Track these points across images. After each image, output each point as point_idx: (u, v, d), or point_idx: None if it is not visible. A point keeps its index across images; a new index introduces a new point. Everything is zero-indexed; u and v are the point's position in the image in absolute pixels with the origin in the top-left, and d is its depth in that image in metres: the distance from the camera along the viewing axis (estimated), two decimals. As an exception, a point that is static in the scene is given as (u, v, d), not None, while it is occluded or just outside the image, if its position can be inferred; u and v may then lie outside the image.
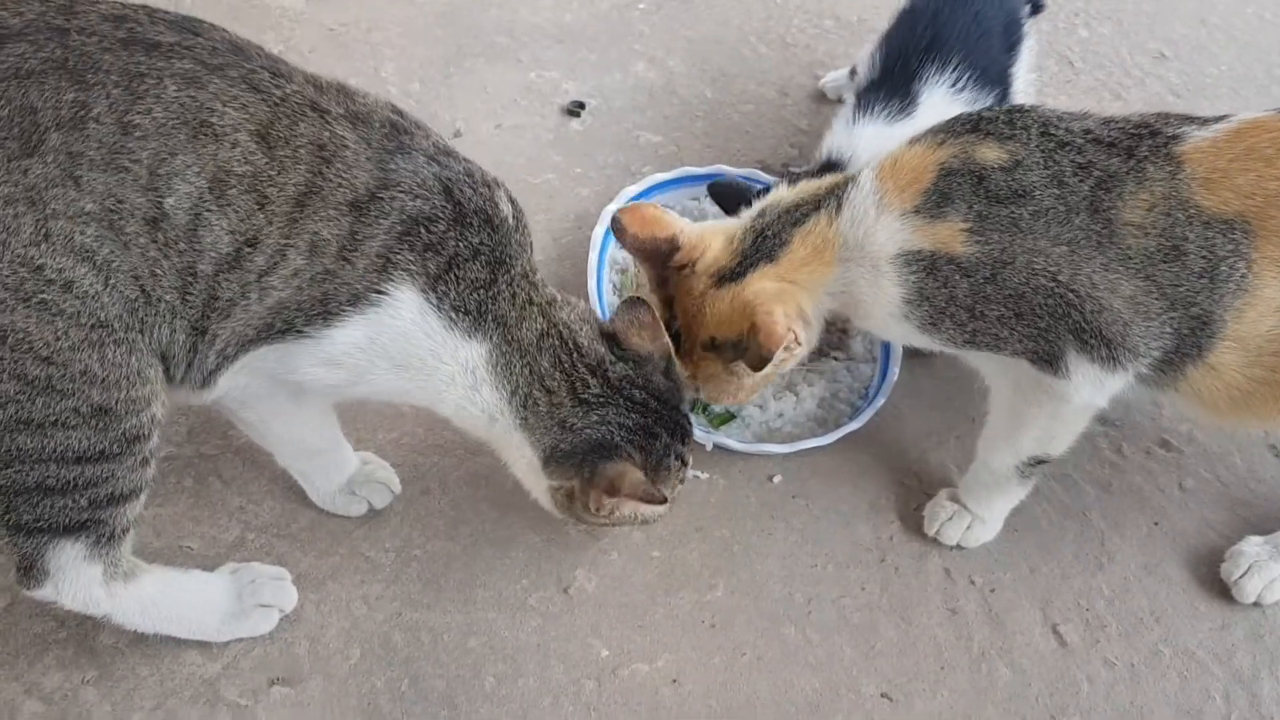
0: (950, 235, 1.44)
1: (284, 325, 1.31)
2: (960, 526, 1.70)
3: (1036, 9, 2.08)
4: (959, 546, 1.72)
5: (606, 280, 1.95)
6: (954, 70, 1.89)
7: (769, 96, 2.40)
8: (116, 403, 1.26)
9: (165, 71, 1.22)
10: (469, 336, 1.37)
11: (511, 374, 1.42)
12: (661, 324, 1.54)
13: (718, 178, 2.06)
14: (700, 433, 1.78)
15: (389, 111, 1.36)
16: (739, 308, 1.52)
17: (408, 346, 1.35)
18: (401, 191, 1.31)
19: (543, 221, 2.10)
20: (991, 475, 1.65)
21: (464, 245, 1.34)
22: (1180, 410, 1.80)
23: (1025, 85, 2.03)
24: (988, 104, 1.92)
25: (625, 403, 1.47)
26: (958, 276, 1.44)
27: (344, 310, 1.31)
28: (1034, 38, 2.05)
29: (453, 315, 1.35)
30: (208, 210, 1.23)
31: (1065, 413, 1.52)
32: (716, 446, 1.79)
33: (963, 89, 1.90)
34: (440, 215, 1.33)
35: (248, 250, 1.26)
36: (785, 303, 1.50)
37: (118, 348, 1.24)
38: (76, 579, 1.38)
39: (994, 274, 1.43)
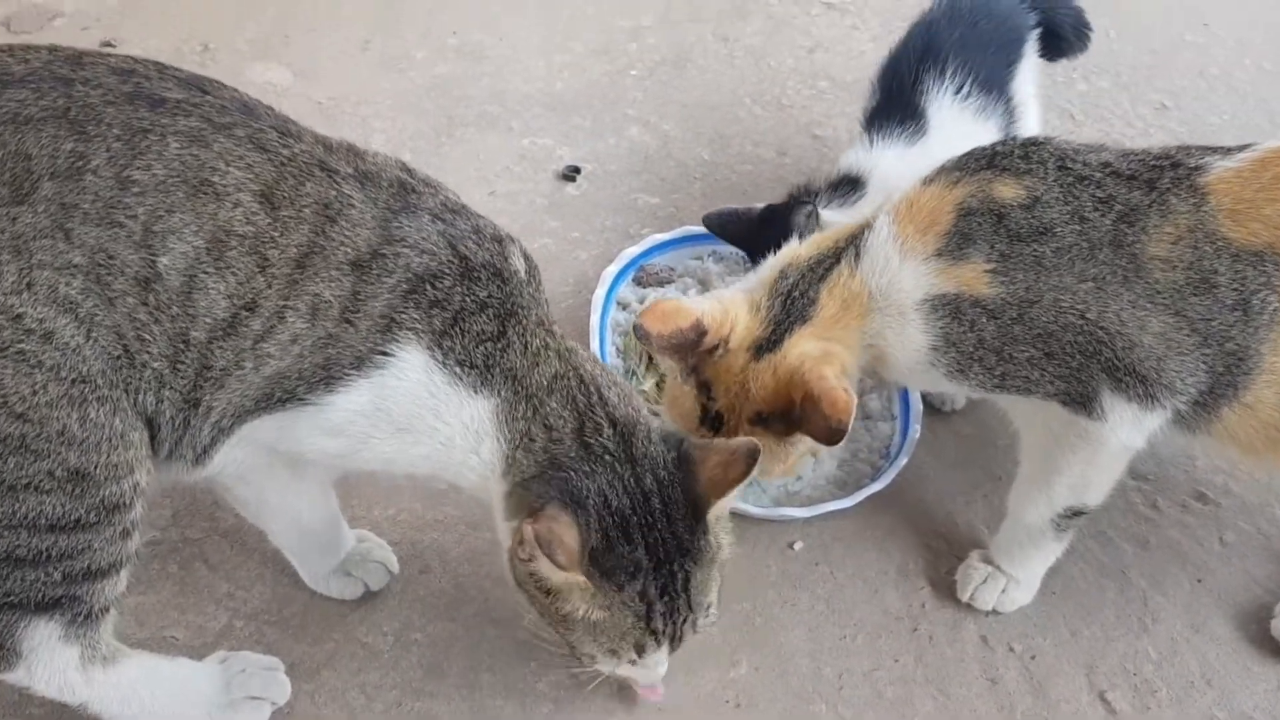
0: (974, 277, 1.38)
1: (284, 394, 1.24)
2: (995, 590, 1.60)
3: (1060, 49, 2.05)
4: (995, 611, 1.62)
5: (609, 343, 1.87)
6: (953, 76, 1.84)
7: (767, 157, 2.35)
8: (96, 467, 1.18)
9: (169, 128, 1.18)
10: (475, 392, 1.27)
11: (515, 422, 1.30)
12: (736, 478, 1.32)
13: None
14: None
15: (398, 170, 1.31)
16: (784, 377, 1.43)
17: (411, 408, 1.26)
18: (406, 248, 1.25)
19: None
20: (1026, 531, 1.55)
21: (471, 299, 1.27)
22: (1215, 455, 1.74)
23: (1035, 113, 1.99)
24: (997, 110, 1.89)
25: (632, 481, 1.29)
26: (984, 319, 1.38)
27: (347, 374, 1.23)
28: (1035, 53, 2.01)
29: (458, 370, 1.26)
30: (204, 272, 1.18)
31: (1102, 457, 1.44)
32: (732, 513, 1.69)
33: (968, 95, 1.85)
34: (446, 271, 1.26)
35: (245, 315, 1.19)
36: (832, 363, 1.43)
37: (100, 406, 1.16)
38: (51, 661, 1.28)
39: (1021, 314, 1.37)
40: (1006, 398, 1.49)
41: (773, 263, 1.52)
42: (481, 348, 1.27)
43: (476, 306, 1.27)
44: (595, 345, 1.82)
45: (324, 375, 1.23)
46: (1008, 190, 1.40)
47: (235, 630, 1.56)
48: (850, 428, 1.38)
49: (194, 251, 1.17)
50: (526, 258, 1.36)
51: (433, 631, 1.58)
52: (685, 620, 1.33)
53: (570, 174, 2.27)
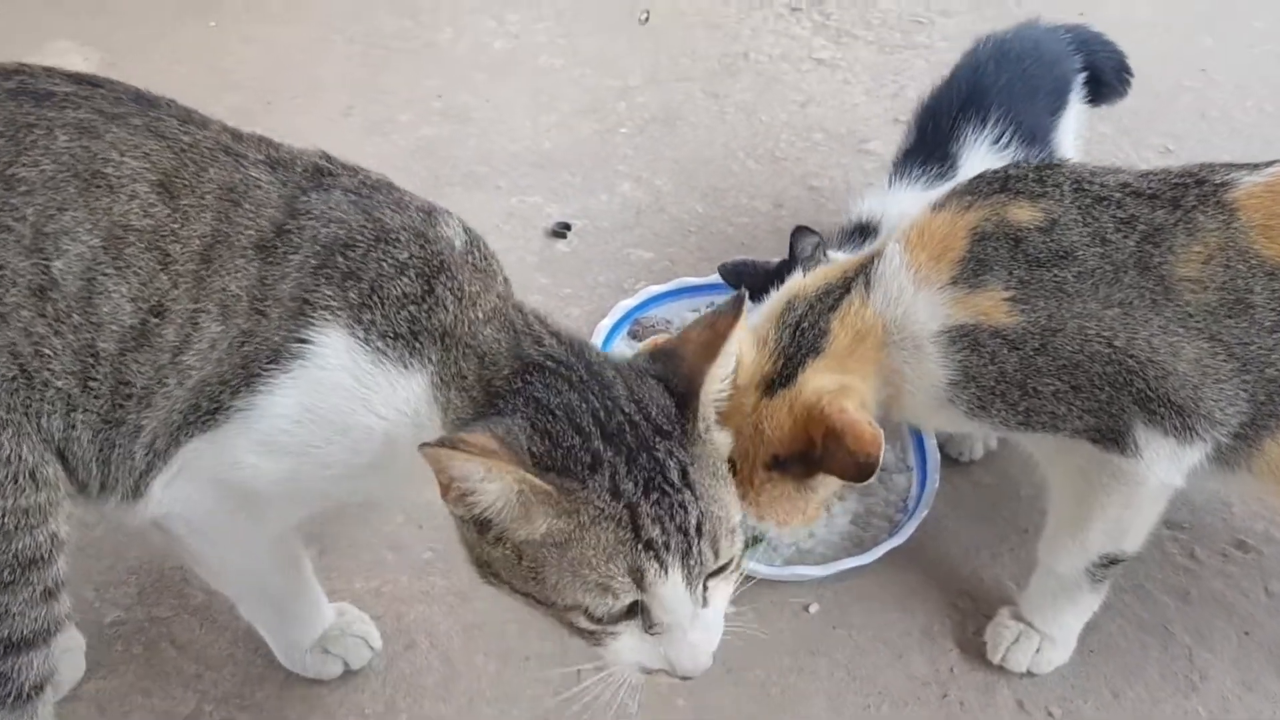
0: (992, 305, 1.29)
1: (210, 404, 1.11)
2: (1029, 649, 1.48)
3: (1100, 94, 1.98)
4: (1030, 673, 1.49)
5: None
6: (995, 125, 1.76)
7: (763, 209, 2.28)
8: (3, 515, 1.06)
9: (56, 121, 1.08)
10: (405, 368, 1.10)
11: (449, 372, 1.11)
12: (725, 328, 1.11)
13: (717, 288, 1.92)
14: (722, 559, 1.56)
15: (317, 157, 1.20)
16: (801, 413, 1.33)
17: (342, 402, 1.11)
18: (312, 220, 1.12)
19: (531, 345, 1.92)
20: (1059, 583, 1.44)
21: (388, 263, 1.12)
22: (1254, 497, 1.62)
23: (1071, 150, 1.91)
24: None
25: (582, 373, 1.09)
26: (1005, 350, 1.29)
27: (267, 371, 1.10)
28: (1079, 107, 1.93)
29: (381, 346, 1.10)
30: (103, 274, 1.07)
31: (1139, 498, 1.33)
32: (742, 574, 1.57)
33: (1006, 145, 1.77)
34: (359, 238, 1.12)
35: (155, 322, 1.08)
36: (850, 396, 1.33)
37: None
38: None
39: (1044, 344, 1.28)
40: (1031, 437, 1.38)
41: (777, 296, 1.43)
42: (404, 312, 1.11)
43: (395, 269, 1.11)
44: (590, 401, 1.71)
45: (244, 375, 1.10)
46: (1024, 213, 1.32)
47: (204, 715, 1.43)
48: (881, 461, 1.28)
49: (90, 252, 1.06)
50: (468, 231, 1.21)
51: (420, 713, 1.45)
52: (694, 526, 1.03)
53: (561, 230, 2.19)
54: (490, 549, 1.06)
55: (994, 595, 1.59)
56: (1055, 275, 1.28)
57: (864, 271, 1.37)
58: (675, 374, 1.11)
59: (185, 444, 1.13)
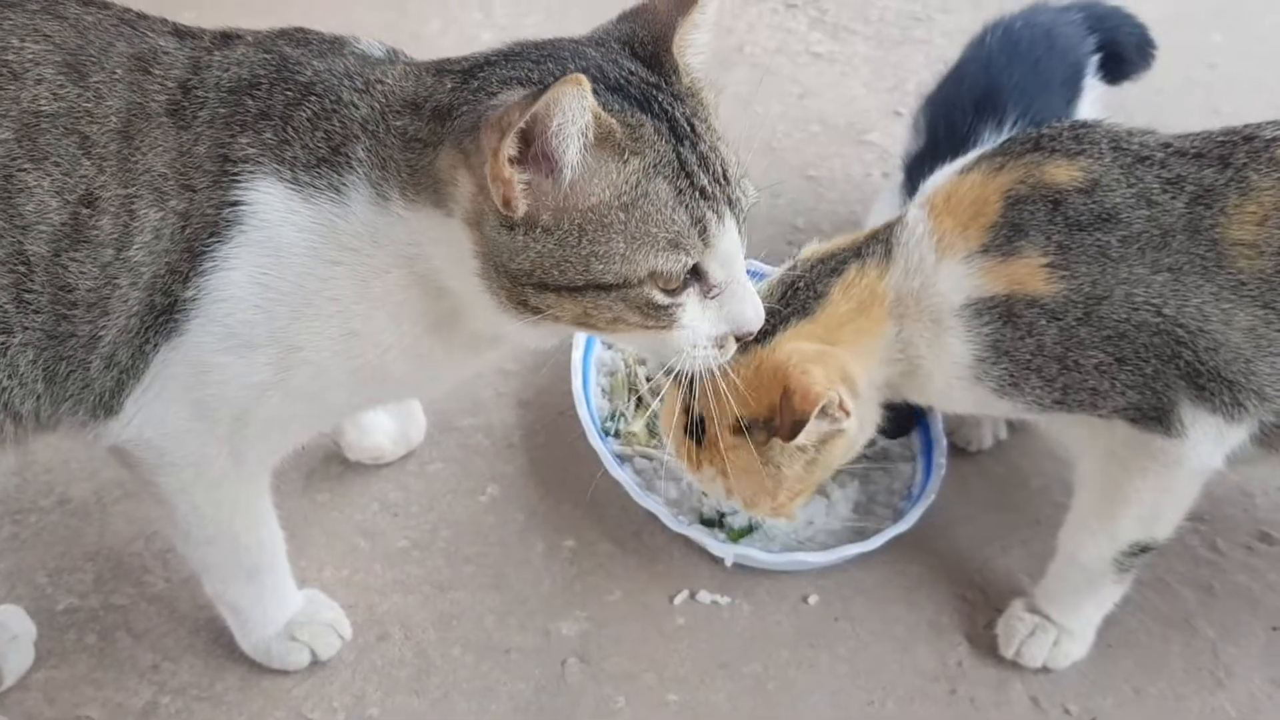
0: (1028, 273, 1.20)
1: (164, 299, 1.03)
2: (1045, 643, 1.38)
3: (1122, 70, 1.89)
4: (1045, 668, 1.40)
5: (594, 383, 1.67)
6: (1013, 126, 1.67)
7: (761, 199, 2.19)
8: None
9: None
10: (337, 194, 1.02)
11: (381, 150, 1.02)
12: None
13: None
14: (716, 546, 1.47)
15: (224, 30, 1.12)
16: (768, 373, 1.25)
17: (297, 259, 1.02)
18: (214, 69, 1.04)
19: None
20: (1082, 573, 1.34)
21: (291, 90, 1.03)
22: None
23: None
24: None
25: (552, 52, 1.03)
26: (1044, 321, 1.20)
27: (208, 248, 1.01)
28: (1097, 89, 1.85)
29: (309, 180, 1.01)
30: (20, 170, 0.99)
31: (1177, 481, 1.25)
32: (738, 563, 1.48)
33: None
34: (262, 73, 1.04)
35: (87, 213, 1.00)
36: (827, 365, 1.24)
37: None
38: None
39: (1088, 313, 1.19)
40: (1060, 419, 1.29)
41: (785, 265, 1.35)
42: (319, 132, 1.02)
43: (299, 94, 1.03)
44: (578, 384, 1.62)
45: (189, 259, 1.01)
46: (1062, 173, 1.23)
47: (161, 707, 1.33)
48: (818, 429, 1.22)
49: (2, 148, 0.98)
50: (394, 50, 1.12)
51: (392, 707, 1.35)
52: (724, 171, 1.00)
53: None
54: (544, 249, 0.96)
55: (1005, 588, 1.49)
56: (1098, 239, 1.19)
57: (883, 239, 1.29)
58: (645, 30, 1.05)
59: (152, 355, 1.05)
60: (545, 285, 0.98)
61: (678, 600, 1.46)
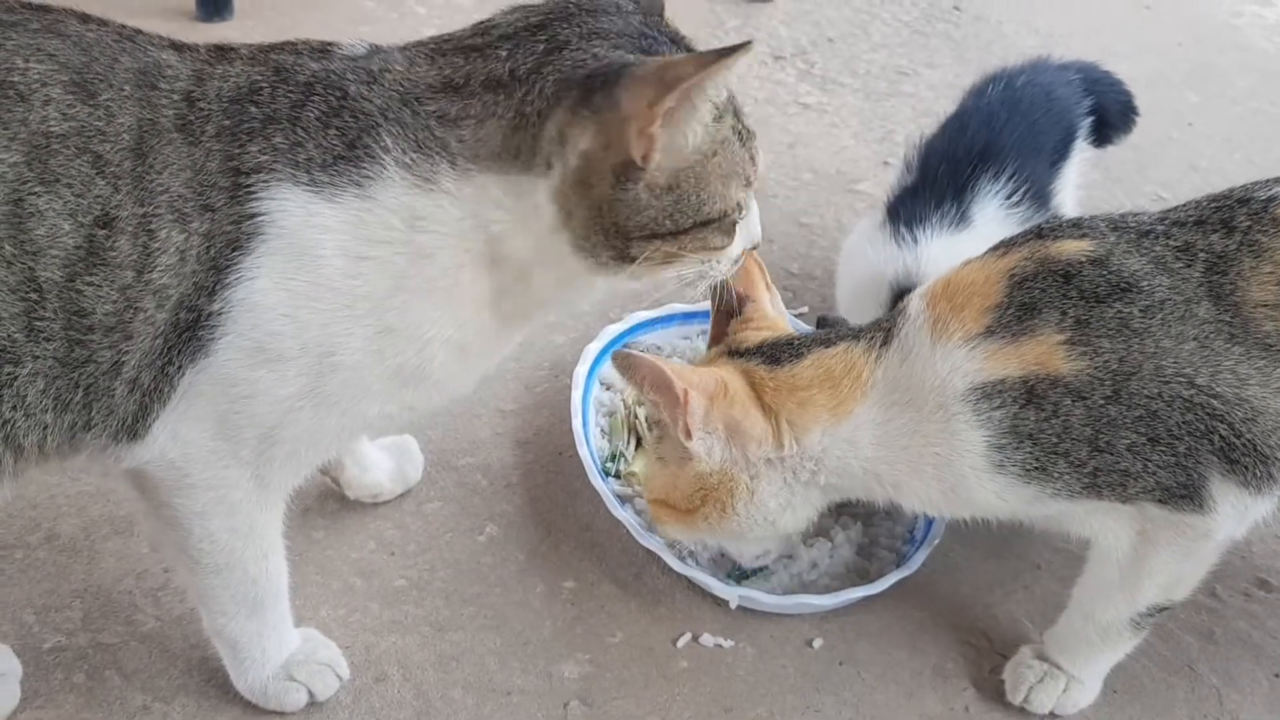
0: (1045, 352, 1.17)
1: (189, 315, 1.02)
2: (1054, 690, 1.37)
3: (1105, 135, 1.92)
4: (1052, 715, 1.38)
5: (593, 424, 1.66)
6: (1009, 181, 1.69)
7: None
8: None
9: None
10: (364, 185, 1.03)
11: (415, 154, 1.04)
12: None
13: (708, 315, 1.83)
14: (720, 588, 1.46)
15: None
16: (687, 373, 1.29)
17: (323, 268, 1.02)
18: (215, 79, 1.03)
19: (513, 370, 1.83)
20: (1098, 630, 1.33)
21: (294, 91, 1.04)
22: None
23: (1072, 211, 1.84)
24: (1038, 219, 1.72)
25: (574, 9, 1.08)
26: (1069, 401, 1.16)
27: (232, 262, 1.01)
28: (1083, 155, 1.88)
29: (327, 180, 1.02)
30: (31, 193, 0.96)
31: (1202, 552, 1.24)
32: (742, 605, 1.47)
33: (1018, 203, 1.69)
34: (261, 81, 1.04)
35: (103, 234, 0.98)
36: (722, 402, 1.26)
37: None
38: None
39: (1116, 390, 1.15)
40: (1084, 507, 1.24)
41: None
42: (331, 129, 1.03)
43: (302, 94, 1.03)
44: (578, 424, 1.61)
45: (215, 277, 1.01)
46: (1070, 247, 1.21)
47: (150, 751, 1.29)
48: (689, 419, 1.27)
49: (12, 170, 0.96)
50: (374, 45, 1.13)
51: (390, 751, 1.32)
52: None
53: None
54: (663, 202, 1.04)
55: (1009, 634, 1.48)
56: (1119, 311, 1.16)
57: (885, 326, 1.29)
58: None
59: (177, 377, 1.04)
60: (655, 234, 1.06)
61: (681, 643, 1.44)
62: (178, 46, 1.07)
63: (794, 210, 2.30)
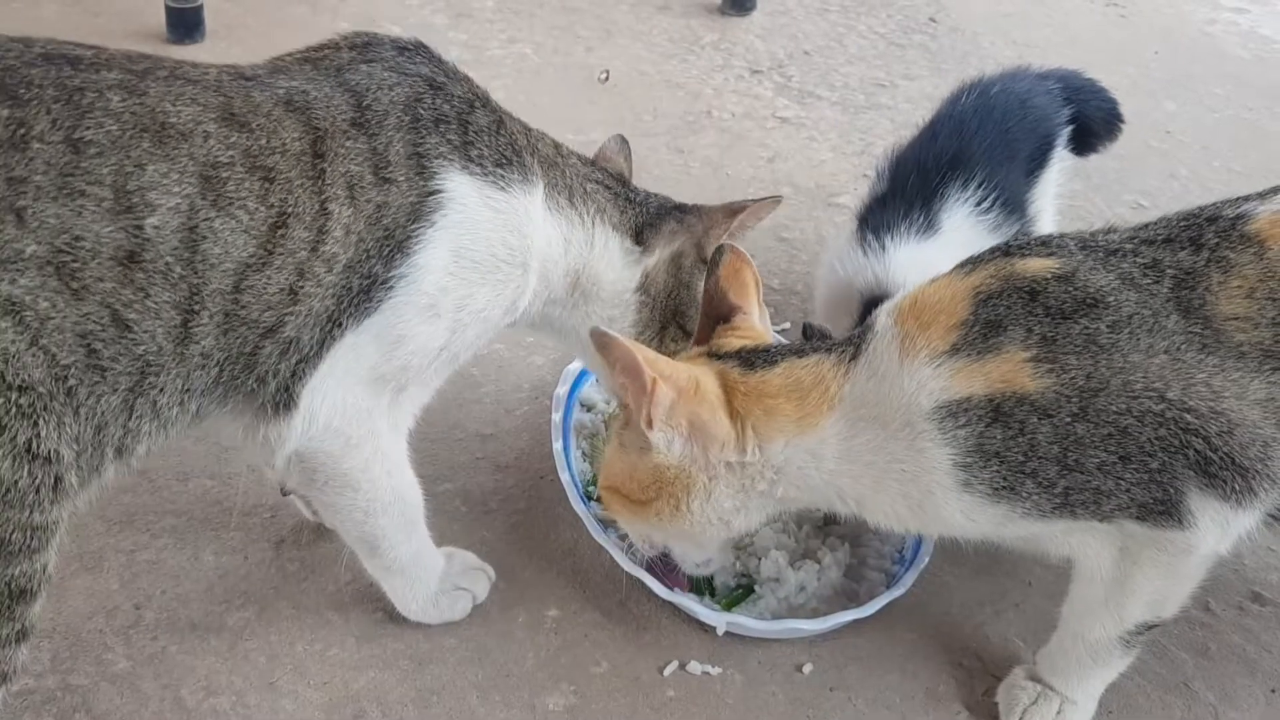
0: (1011, 370, 1.14)
1: (363, 281, 1.17)
2: (1049, 711, 1.34)
3: (1089, 143, 1.91)
4: (1047, 737, 1.36)
5: (574, 447, 1.63)
6: (979, 189, 1.67)
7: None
8: (10, 530, 1.01)
9: (101, 83, 1.06)
10: (526, 185, 1.28)
11: (560, 189, 1.36)
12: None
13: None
14: (707, 614, 1.42)
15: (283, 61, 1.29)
16: (659, 363, 1.26)
17: (489, 234, 1.24)
18: (375, 89, 1.21)
19: (492, 393, 1.80)
20: (1088, 650, 1.30)
21: (458, 101, 1.26)
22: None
23: (1050, 218, 1.83)
24: (1012, 232, 1.70)
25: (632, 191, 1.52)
26: (1035, 419, 1.14)
27: (414, 232, 1.19)
28: (1062, 164, 1.86)
29: (500, 174, 1.25)
30: (205, 218, 1.07)
31: (1186, 568, 1.22)
32: (730, 631, 1.43)
33: (988, 210, 1.68)
34: (419, 89, 1.24)
35: (281, 233, 1.11)
36: (691, 399, 1.23)
37: (36, 423, 0.99)
38: None
39: (1084, 407, 1.13)
40: (1060, 526, 1.21)
41: None
42: (497, 140, 1.26)
43: (466, 105, 1.26)
44: (559, 447, 1.57)
45: (392, 243, 1.18)
46: (1035, 264, 1.19)
47: (120, 797, 1.25)
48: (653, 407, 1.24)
49: (185, 201, 1.06)
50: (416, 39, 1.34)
51: (370, 790, 1.28)
52: None
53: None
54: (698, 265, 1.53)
55: (1001, 655, 1.46)
56: (1085, 327, 1.14)
57: (855, 341, 1.26)
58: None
59: (339, 337, 1.17)
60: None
61: (667, 671, 1.41)
62: (277, 72, 1.21)
63: (774, 225, 2.28)
